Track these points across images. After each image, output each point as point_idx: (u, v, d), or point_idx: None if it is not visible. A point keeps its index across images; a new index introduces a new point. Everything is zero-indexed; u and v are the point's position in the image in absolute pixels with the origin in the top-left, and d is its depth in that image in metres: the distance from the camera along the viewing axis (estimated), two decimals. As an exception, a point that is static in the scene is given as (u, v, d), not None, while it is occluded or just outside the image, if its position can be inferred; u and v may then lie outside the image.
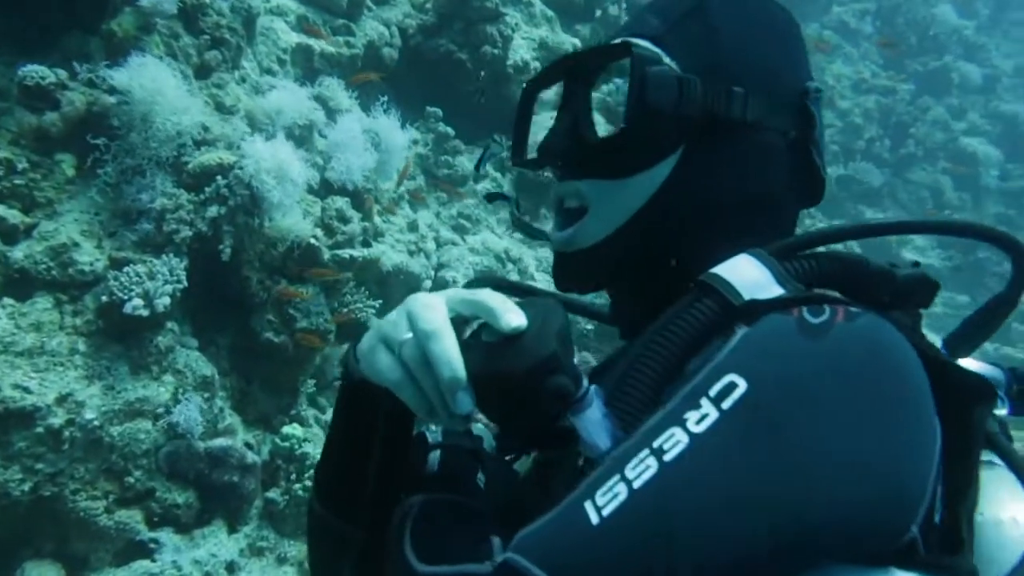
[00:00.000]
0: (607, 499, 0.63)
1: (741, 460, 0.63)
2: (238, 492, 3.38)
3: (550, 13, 6.04)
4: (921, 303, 0.85)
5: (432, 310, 0.73)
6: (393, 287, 4.44)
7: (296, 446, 3.62)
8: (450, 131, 5.38)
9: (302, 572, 3.47)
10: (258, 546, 3.44)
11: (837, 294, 0.77)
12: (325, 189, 4.07)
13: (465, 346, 0.71)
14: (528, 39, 5.79)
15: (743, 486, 0.62)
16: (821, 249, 0.87)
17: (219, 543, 3.29)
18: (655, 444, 0.65)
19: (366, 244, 4.23)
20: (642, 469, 0.64)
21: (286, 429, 3.66)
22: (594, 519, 0.62)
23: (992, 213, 10.94)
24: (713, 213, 0.97)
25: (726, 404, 0.66)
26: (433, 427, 0.93)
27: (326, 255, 3.86)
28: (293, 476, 3.61)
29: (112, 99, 3.14)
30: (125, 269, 3.05)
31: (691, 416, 0.66)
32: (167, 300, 3.09)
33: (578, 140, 0.94)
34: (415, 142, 5.13)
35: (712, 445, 0.64)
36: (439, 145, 5.40)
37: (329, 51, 4.81)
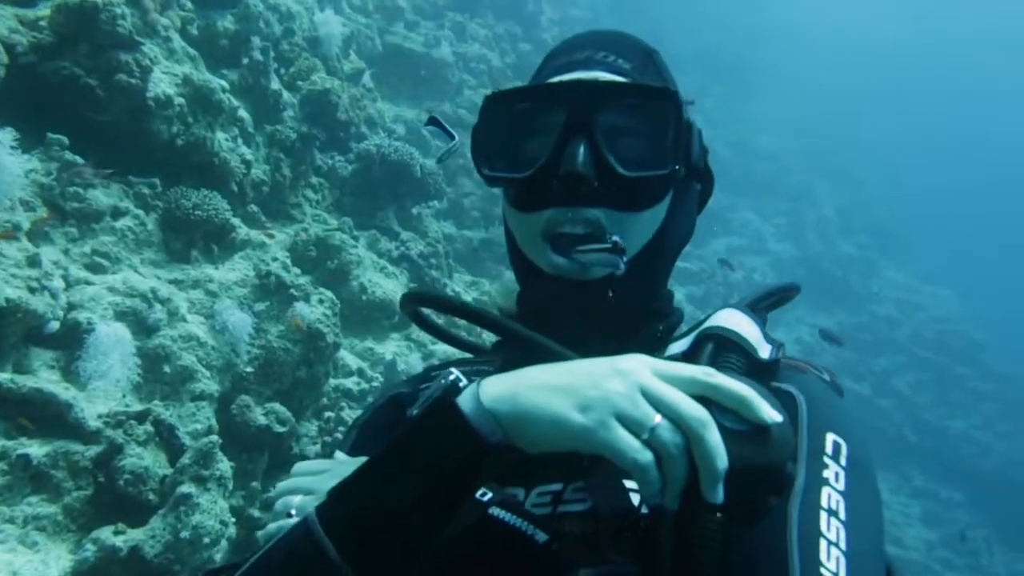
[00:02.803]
0: (834, 565, 0.77)
1: (870, 495, 0.88)
2: None
3: (192, 52, 5.75)
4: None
5: (679, 392, 0.73)
6: (8, 325, 3.69)
7: None
8: (79, 161, 4.74)
9: None
10: None
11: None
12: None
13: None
14: (170, 74, 5.43)
15: (876, 507, 0.87)
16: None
17: None
18: (825, 505, 0.82)
19: (-31, 273, 3.47)
20: (835, 536, 0.79)
21: None
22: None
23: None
24: (677, 250, 1.08)
25: (844, 462, 0.87)
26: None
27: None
28: None
29: None
30: None
31: (827, 475, 0.85)
32: None
33: (607, 170, 0.95)
34: (33, 171, 4.43)
35: (854, 494, 0.85)
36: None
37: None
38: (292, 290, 5.14)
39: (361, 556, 0.76)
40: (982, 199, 33.29)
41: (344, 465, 1.04)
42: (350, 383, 5.81)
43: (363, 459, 1.00)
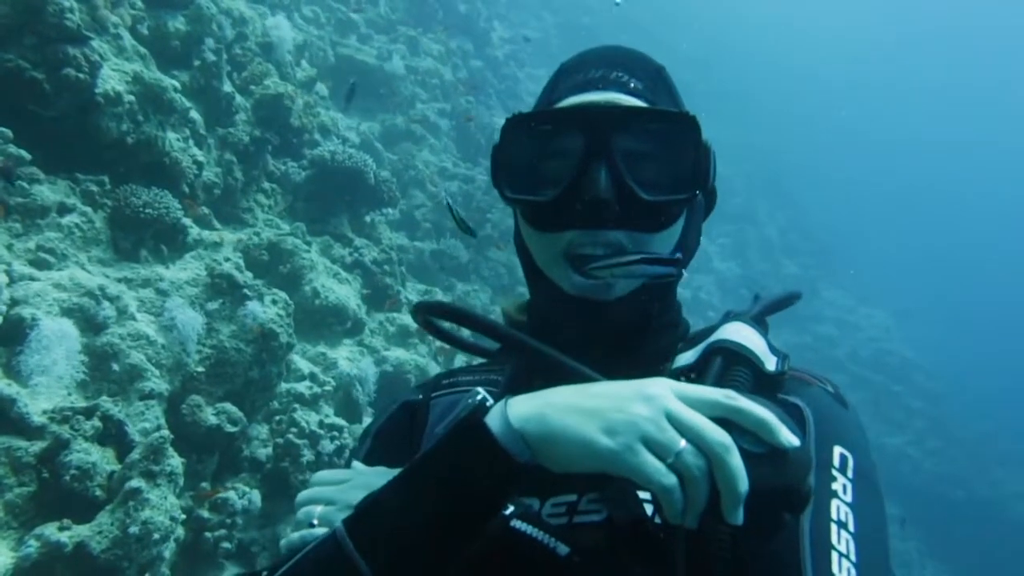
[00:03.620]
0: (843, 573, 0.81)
1: (877, 506, 0.92)
2: None
3: (143, 50, 5.68)
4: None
5: (702, 417, 0.75)
6: (-53, 318, 3.56)
7: None
8: (24, 155, 4.62)
9: None
10: None
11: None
12: None
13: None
14: (120, 71, 5.34)
15: (882, 517, 0.92)
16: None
17: None
18: (835, 517, 0.85)
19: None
20: (845, 548, 0.83)
21: None
22: None
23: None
24: (688, 262, 1.11)
25: (851, 474, 0.91)
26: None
27: None
28: None
29: None
30: None
31: (836, 488, 0.89)
32: None
33: (629, 195, 0.97)
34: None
35: (862, 505, 0.89)
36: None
37: None
38: (245, 290, 5.07)
39: (390, 570, 0.78)
40: (912, 225, 34.69)
41: (363, 475, 1.05)
42: (302, 387, 5.74)
43: (381, 469, 1.05)
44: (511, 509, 0.85)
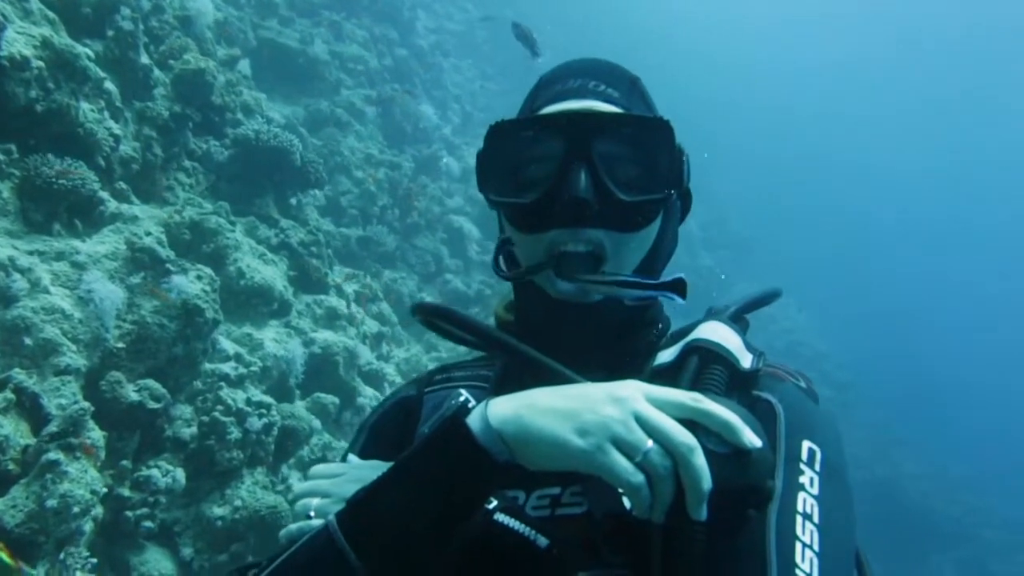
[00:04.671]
0: (808, 566, 0.86)
1: (843, 498, 0.95)
2: None
3: (51, 15, 5.40)
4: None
5: (669, 419, 0.79)
6: None
7: None
8: (-78, 117, 4.34)
9: None
10: None
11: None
12: None
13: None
14: (27, 35, 5.06)
15: (849, 509, 0.95)
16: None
17: None
18: (800, 509, 0.89)
19: None
20: (809, 539, 0.87)
21: None
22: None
23: (479, 280, 12.91)
24: (667, 262, 1.16)
25: (818, 467, 0.95)
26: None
27: None
28: None
29: None
30: None
31: (803, 481, 0.92)
32: None
33: (607, 195, 1.01)
34: None
35: (827, 498, 0.93)
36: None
37: None
38: (168, 264, 4.89)
39: (378, 561, 0.84)
40: (820, 219, 36.09)
41: (358, 469, 1.11)
42: (227, 367, 5.57)
43: (375, 462, 1.12)
44: (494, 503, 0.90)
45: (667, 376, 1.02)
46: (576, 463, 0.79)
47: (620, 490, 0.82)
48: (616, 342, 1.11)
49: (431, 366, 9.90)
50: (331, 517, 0.88)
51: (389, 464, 0.95)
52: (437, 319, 1.14)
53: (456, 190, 13.95)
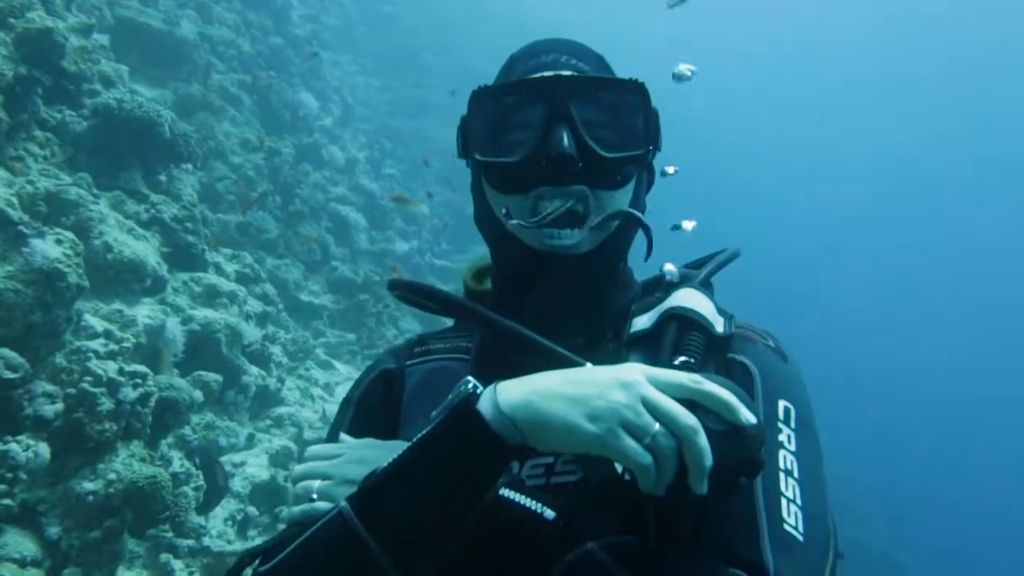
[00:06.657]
0: (793, 519, 0.94)
1: (816, 451, 1.04)
2: None
3: None
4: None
5: (674, 402, 0.84)
6: None
7: None
8: None
9: None
10: None
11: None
12: None
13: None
14: None
15: (821, 460, 1.04)
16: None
17: None
18: (783, 466, 0.98)
19: None
20: (792, 493, 0.95)
21: None
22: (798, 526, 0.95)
23: (367, 269, 12.64)
24: (637, 226, 1.18)
25: (794, 424, 1.03)
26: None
27: None
28: None
29: None
30: None
31: (782, 439, 1.00)
32: None
33: (589, 153, 1.05)
34: None
35: (804, 452, 1.01)
36: None
37: None
38: (21, 227, 4.47)
39: (397, 546, 0.87)
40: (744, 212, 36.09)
41: (356, 449, 1.12)
42: (96, 344, 5.15)
43: (371, 440, 1.14)
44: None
45: (647, 343, 1.10)
46: (588, 447, 0.84)
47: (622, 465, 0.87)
48: (598, 300, 1.15)
49: (320, 351, 9.55)
50: (343, 503, 0.91)
51: (384, 443, 1.06)
52: (414, 295, 1.18)
53: (340, 180, 13.62)
